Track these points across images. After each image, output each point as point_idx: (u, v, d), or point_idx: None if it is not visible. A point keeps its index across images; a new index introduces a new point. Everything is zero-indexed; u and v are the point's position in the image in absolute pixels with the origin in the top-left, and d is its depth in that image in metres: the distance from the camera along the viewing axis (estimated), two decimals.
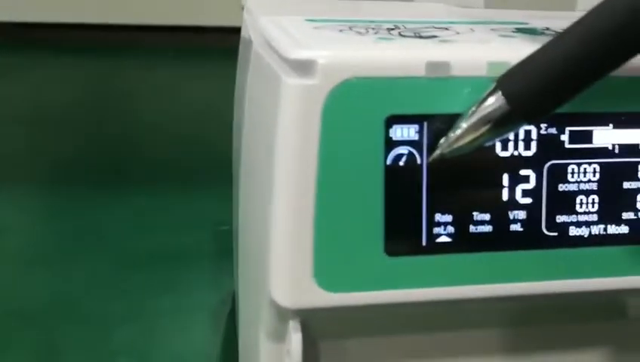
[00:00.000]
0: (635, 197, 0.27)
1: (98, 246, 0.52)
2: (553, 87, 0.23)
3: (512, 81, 0.24)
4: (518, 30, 0.29)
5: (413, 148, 0.25)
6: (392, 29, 0.28)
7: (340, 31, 0.28)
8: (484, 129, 0.24)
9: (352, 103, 0.24)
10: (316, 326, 0.27)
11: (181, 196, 0.59)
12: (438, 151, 0.25)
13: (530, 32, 0.29)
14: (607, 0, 0.23)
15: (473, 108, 0.24)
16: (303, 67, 0.24)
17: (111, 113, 0.80)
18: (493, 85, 0.24)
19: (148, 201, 0.58)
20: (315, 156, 0.24)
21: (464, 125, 0.24)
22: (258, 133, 0.28)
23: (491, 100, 0.24)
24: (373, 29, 0.28)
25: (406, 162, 0.25)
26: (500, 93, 0.24)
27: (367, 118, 0.25)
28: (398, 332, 0.28)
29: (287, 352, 0.26)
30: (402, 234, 0.26)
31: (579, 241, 0.27)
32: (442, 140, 0.25)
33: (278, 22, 0.29)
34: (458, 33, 0.28)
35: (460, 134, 0.24)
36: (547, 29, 0.30)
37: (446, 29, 0.29)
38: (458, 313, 0.28)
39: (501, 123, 0.24)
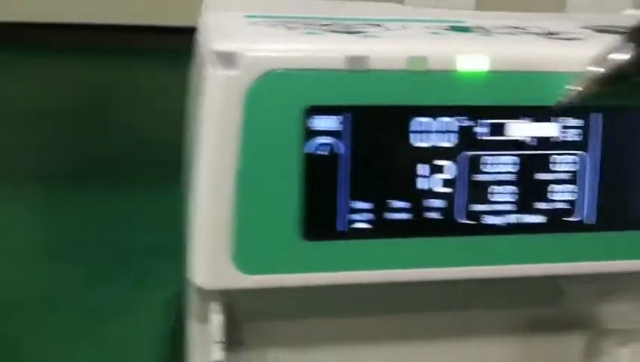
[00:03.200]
0: (551, 188, 0.28)
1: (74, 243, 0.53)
2: None
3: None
4: (451, 28, 0.31)
5: (335, 138, 0.27)
6: (326, 25, 0.30)
7: (273, 26, 0.29)
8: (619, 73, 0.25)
9: (273, 94, 0.26)
10: (241, 309, 0.28)
11: (162, 195, 0.60)
12: (565, 99, 0.26)
13: (462, 30, 0.30)
14: None
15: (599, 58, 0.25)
16: (227, 59, 0.25)
17: (95, 113, 0.81)
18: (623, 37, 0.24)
19: (130, 200, 0.59)
20: (235, 144, 0.26)
21: (599, 73, 0.25)
22: (191, 124, 0.30)
23: (622, 52, 0.25)
24: (307, 24, 0.30)
25: (326, 151, 0.27)
26: (629, 44, 0.24)
27: (288, 109, 0.26)
28: (323, 315, 0.29)
29: (209, 333, 0.27)
30: (320, 219, 0.27)
31: (494, 230, 0.28)
32: (571, 87, 0.25)
33: (216, 17, 0.30)
34: (389, 30, 0.29)
35: (596, 80, 0.25)
36: (480, 27, 0.31)
37: (379, 25, 0.30)
38: (378, 297, 0.29)
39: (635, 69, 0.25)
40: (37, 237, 0.55)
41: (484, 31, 0.30)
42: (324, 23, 0.30)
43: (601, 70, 0.24)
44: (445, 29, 0.30)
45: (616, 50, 0.24)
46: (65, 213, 0.57)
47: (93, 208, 0.58)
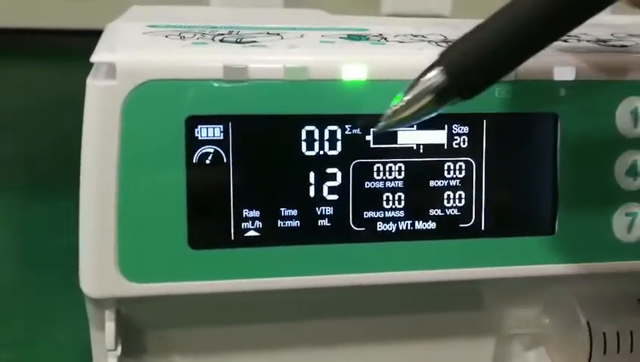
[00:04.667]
0: (442, 195, 0.29)
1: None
2: (489, 63, 0.24)
3: (450, 56, 0.24)
4: (348, 37, 0.31)
5: (219, 147, 0.27)
6: (220, 35, 0.30)
7: (166, 36, 0.29)
8: (423, 102, 0.24)
9: (152, 104, 0.26)
10: (138, 317, 0.29)
11: None
12: (382, 123, 0.24)
13: (357, 38, 0.31)
14: None
15: (413, 81, 0.24)
16: (105, 69, 0.26)
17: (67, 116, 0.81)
18: (435, 58, 0.24)
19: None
20: (115, 153, 0.26)
21: (405, 98, 0.24)
22: None
23: (431, 74, 0.24)
24: (203, 34, 0.30)
25: (212, 160, 0.27)
26: (438, 68, 0.24)
27: (168, 119, 0.26)
28: (222, 323, 0.30)
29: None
30: (207, 227, 0.27)
31: (387, 236, 0.28)
32: (386, 111, 0.25)
33: (115, 27, 0.31)
34: (282, 39, 0.30)
35: (400, 107, 0.24)
36: (379, 35, 0.31)
37: (277, 34, 0.31)
38: (278, 304, 0.29)
39: (438, 98, 0.24)
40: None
41: (379, 39, 0.30)
42: (220, 32, 0.30)
43: (412, 94, 0.24)
44: (341, 38, 0.30)
45: (426, 74, 0.24)
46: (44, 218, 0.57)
47: (64, 216, 0.58)
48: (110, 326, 0.27)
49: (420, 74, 0.24)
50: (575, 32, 0.32)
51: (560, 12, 0.23)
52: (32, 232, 0.55)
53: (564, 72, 0.28)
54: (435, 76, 0.24)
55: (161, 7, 0.38)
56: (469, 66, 0.24)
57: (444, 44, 0.30)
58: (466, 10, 0.40)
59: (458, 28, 0.32)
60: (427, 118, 0.24)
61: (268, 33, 0.31)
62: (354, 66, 0.27)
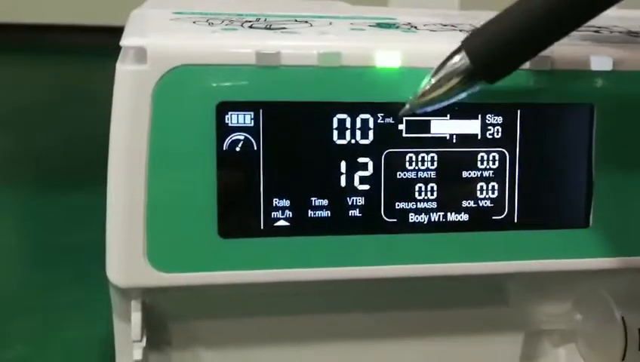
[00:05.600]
0: (475, 186, 0.28)
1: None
2: (512, 47, 0.24)
3: (474, 40, 0.25)
4: (377, 25, 0.30)
5: (249, 134, 0.26)
6: (249, 22, 0.29)
7: (194, 22, 0.29)
8: (449, 85, 0.25)
9: (183, 90, 0.25)
10: (163, 308, 0.28)
11: None
12: (407, 106, 0.25)
13: (386, 26, 0.30)
14: None
15: (439, 65, 0.25)
16: (136, 54, 0.25)
17: (78, 114, 0.81)
18: (458, 44, 0.25)
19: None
20: (146, 140, 0.25)
21: (432, 80, 0.25)
22: None
23: (456, 58, 0.25)
24: (231, 21, 0.29)
25: (242, 148, 0.26)
26: (463, 52, 0.24)
27: (199, 104, 0.26)
28: (247, 315, 0.29)
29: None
30: (237, 216, 0.26)
31: (418, 227, 0.28)
32: (411, 96, 0.25)
33: (141, 13, 0.30)
34: (311, 26, 0.29)
35: (428, 89, 0.25)
36: (408, 24, 0.31)
37: (305, 22, 0.30)
38: (305, 296, 0.29)
39: (464, 81, 0.25)
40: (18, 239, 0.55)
41: (409, 28, 0.30)
42: (248, 19, 0.30)
43: (438, 77, 0.25)
44: (370, 26, 0.30)
45: (452, 57, 0.24)
46: (48, 214, 0.57)
47: (75, 210, 0.57)
48: (137, 317, 0.27)
49: (445, 58, 0.25)
50: (605, 23, 0.32)
51: None
52: (43, 229, 0.54)
53: (601, 62, 0.27)
54: (460, 60, 0.24)
55: None
56: (492, 51, 0.24)
57: None
58: (473, 6, 0.39)
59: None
60: (453, 100, 0.25)
61: (296, 20, 0.30)
62: (388, 53, 0.26)
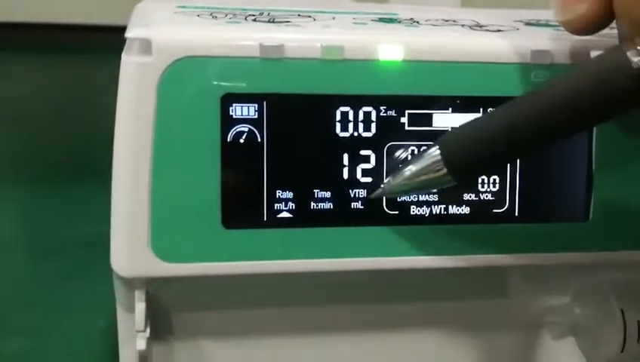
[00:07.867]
0: (476, 180, 0.28)
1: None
2: (487, 160, 0.25)
3: (450, 144, 0.25)
4: (380, 20, 0.31)
5: (253, 126, 0.27)
6: (252, 15, 0.30)
7: (198, 15, 0.29)
8: (421, 179, 0.26)
9: (188, 81, 0.26)
10: (167, 299, 0.28)
11: None
12: (379, 191, 0.27)
13: (388, 20, 0.30)
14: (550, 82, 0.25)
15: (416, 160, 0.26)
16: (141, 45, 0.25)
17: (80, 110, 0.81)
18: (435, 145, 0.26)
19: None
20: (150, 131, 0.26)
21: (406, 173, 0.26)
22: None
23: (431, 156, 0.26)
24: (235, 14, 0.30)
25: (246, 139, 0.27)
26: (438, 152, 0.25)
27: (203, 96, 0.26)
28: (249, 306, 0.29)
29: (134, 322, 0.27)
30: (241, 208, 0.27)
31: (420, 220, 0.28)
32: (386, 180, 0.27)
33: (146, 7, 0.30)
34: (315, 21, 0.29)
35: (401, 182, 0.26)
36: (410, 19, 0.31)
37: (309, 16, 0.30)
38: (306, 288, 0.29)
39: (438, 179, 0.26)
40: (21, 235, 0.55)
41: (411, 22, 0.30)
42: (252, 13, 0.30)
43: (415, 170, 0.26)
44: (373, 21, 0.30)
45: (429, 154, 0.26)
46: (49, 208, 0.57)
47: (76, 206, 0.57)
48: (140, 307, 0.27)
49: (421, 155, 0.26)
50: None
51: (552, 122, 0.24)
52: (43, 223, 0.54)
53: None
54: (436, 162, 0.25)
55: None
56: (469, 161, 0.25)
57: (478, 28, 0.29)
58: (475, 4, 0.40)
59: (490, 15, 0.32)
60: (422, 193, 0.27)
61: (299, 15, 0.30)
62: (390, 46, 0.26)
